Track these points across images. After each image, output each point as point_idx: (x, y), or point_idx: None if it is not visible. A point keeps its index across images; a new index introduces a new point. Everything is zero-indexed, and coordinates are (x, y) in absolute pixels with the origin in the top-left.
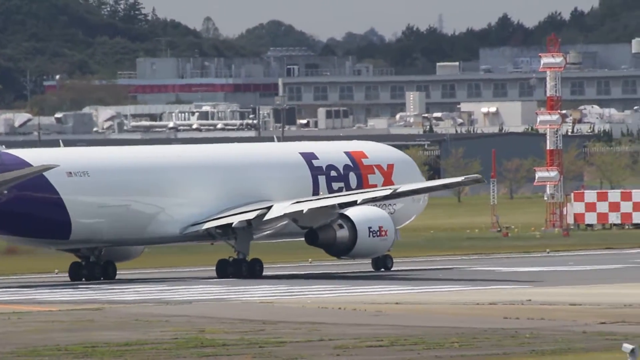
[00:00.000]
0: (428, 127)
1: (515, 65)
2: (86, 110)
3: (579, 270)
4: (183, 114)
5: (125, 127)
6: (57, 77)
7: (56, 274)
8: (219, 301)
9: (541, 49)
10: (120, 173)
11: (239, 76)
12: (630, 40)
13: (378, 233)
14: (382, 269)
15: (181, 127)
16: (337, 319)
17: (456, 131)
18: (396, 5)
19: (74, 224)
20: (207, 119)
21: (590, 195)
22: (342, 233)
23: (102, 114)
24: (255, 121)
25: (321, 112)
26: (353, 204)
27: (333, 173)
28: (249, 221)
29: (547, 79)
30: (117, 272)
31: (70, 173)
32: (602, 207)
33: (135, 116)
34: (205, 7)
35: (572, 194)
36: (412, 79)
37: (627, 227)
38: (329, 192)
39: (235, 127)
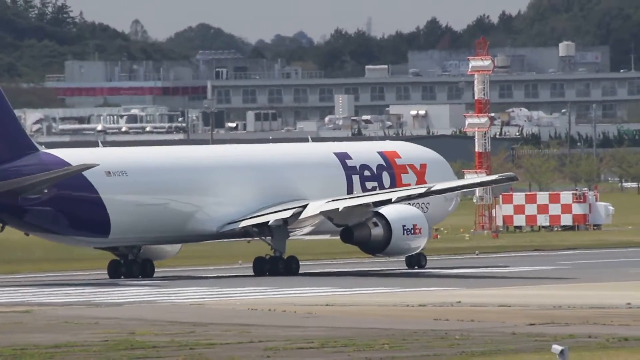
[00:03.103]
0: (357, 129)
1: (444, 69)
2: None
3: (508, 271)
4: (111, 117)
5: (53, 130)
6: None
7: None
8: (149, 303)
9: (469, 52)
10: (157, 173)
11: (167, 79)
12: (557, 43)
13: (412, 231)
14: (416, 267)
15: (110, 130)
16: (267, 321)
17: (385, 134)
18: (325, 8)
19: (112, 223)
20: (136, 122)
21: (519, 198)
22: (377, 231)
23: (31, 117)
24: (184, 124)
25: (250, 115)
26: (388, 202)
27: (367, 172)
28: (285, 219)
29: (476, 82)
30: (155, 270)
31: (109, 172)
32: (531, 209)
33: (63, 119)
34: (133, 10)
35: (501, 196)
36: (341, 82)
37: (555, 229)
38: (363, 192)
39: (164, 130)
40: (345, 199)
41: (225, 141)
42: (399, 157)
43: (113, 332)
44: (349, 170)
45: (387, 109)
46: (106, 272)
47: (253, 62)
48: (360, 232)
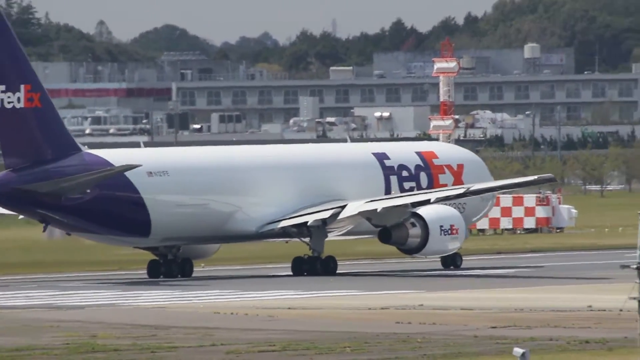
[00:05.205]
0: (321, 131)
1: (409, 70)
2: None
3: (470, 274)
4: (76, 119)
5: None
6: None
7: None
8: (111, 306)
9: (435, 53)
10: (198, 173)
11: (132, 81)
12: (522, 45)
13: (449, 231)
14: (452, 267)
15: (73, 133)
16: (230, 324)
17: (349, 136)
18: (290, 9)
19: (153, 222)
20: (100, 124)
21: None
22: (415, 231)
23: None
24: (148, 126)
25: (214, 117)
26: (426, 202)
27: (404, 173)
28: (324, 220)
29: (440, 84)
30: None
31: (151, 173)
32: (494, 212)
33: None
34: (98, 11)
35: None
36: (305, 84)
37: (518, 232)
38: (401, 192)
39: (128, 132)
40: (384, 199)
41: (189, 143)
42: (437, 157)
43: (75, 335)
44: (387, 171)
45: (351, 111)
46: (61, 275)
47: (218, 64)
48: (398, 233)
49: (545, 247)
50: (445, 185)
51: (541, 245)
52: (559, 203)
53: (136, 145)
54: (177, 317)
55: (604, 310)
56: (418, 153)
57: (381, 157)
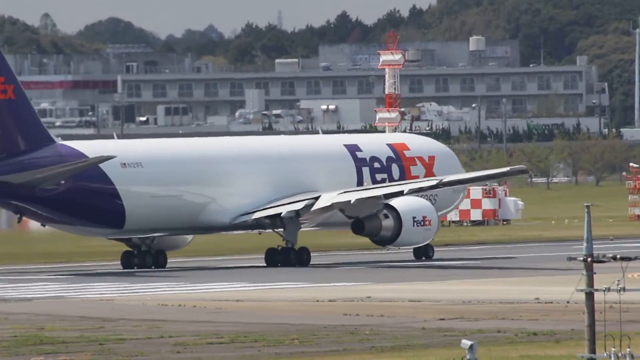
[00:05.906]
0: (267, 124)
1: (354, 63)
2: None
3: (418, 266)
4: None
5: None
6: None
7: None
8: (58, 298)
9: (380, 46)
10: (172, 164)
11: (77, 73)
12: (467, 38)
13: (422, 223)
14: (423, 258)
15: None
16: (178, 316)
17: (295, 128)
18: (235, 1)
19: (128, 214)
20: (46, 117)
21: None
22: (388, 223)
23: None
24: (94, 118)
25: (160, 109)
26: (399, 194)
27: (376, 164)
28: (297, 211)
29: (386, 76)
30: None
31: (125, 164)
32: None
33: None
34: (43, 3)
35: None
36: (251, 76)
37: (465, 224)
38: (372, 183)
39: (74, 125)
40: (358, 190)
41: (135, 135)
42: (408, 149)
43: (22, 328)
44: (359, 162)
45: (297, 103)
46: (8, 267)
47: (163, 57)
48: (371, 224)
49: (491, 239)
50: (417, 177)
51: (488, 238)
52: (505, 195)
53: (83, 137)
54: (125, 309)
55: (552, 303)
56: (390, 145)
57: (353, 148)
